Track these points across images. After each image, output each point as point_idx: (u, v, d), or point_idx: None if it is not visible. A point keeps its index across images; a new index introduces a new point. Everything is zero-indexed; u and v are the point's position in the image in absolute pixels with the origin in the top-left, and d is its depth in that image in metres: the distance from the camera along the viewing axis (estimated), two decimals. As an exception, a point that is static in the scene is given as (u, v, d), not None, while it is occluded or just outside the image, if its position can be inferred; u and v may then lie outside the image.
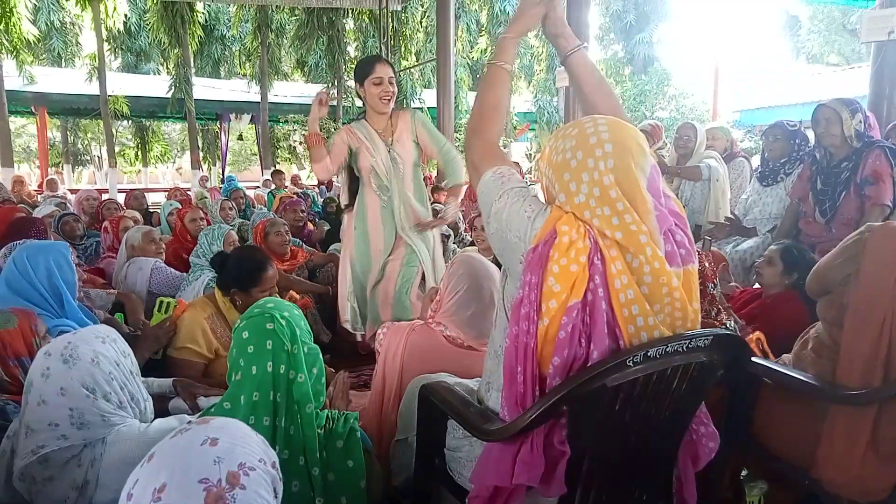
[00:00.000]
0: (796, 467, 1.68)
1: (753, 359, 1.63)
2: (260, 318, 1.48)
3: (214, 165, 20.09)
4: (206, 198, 6.73)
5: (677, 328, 1.27)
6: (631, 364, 1.19)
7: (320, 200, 7.79)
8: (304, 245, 4.66)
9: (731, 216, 3.86)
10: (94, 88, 13.50)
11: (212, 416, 1.45)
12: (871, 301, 1.53)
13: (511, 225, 1.30)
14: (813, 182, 3.25)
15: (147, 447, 1.42)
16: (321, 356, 1.56)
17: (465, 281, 1.95)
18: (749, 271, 3.40)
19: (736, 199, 4.20)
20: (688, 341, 1.24)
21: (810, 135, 3.62)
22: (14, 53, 12.16)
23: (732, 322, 2.28)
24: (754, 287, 2.92)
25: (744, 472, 1.93)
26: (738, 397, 1.71)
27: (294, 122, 15.83)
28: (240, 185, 7.98)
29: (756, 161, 5.21)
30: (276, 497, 0.91)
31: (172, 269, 3.47)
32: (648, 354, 1.20)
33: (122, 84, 14.49)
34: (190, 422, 0.95)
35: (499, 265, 1.49)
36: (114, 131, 15.14)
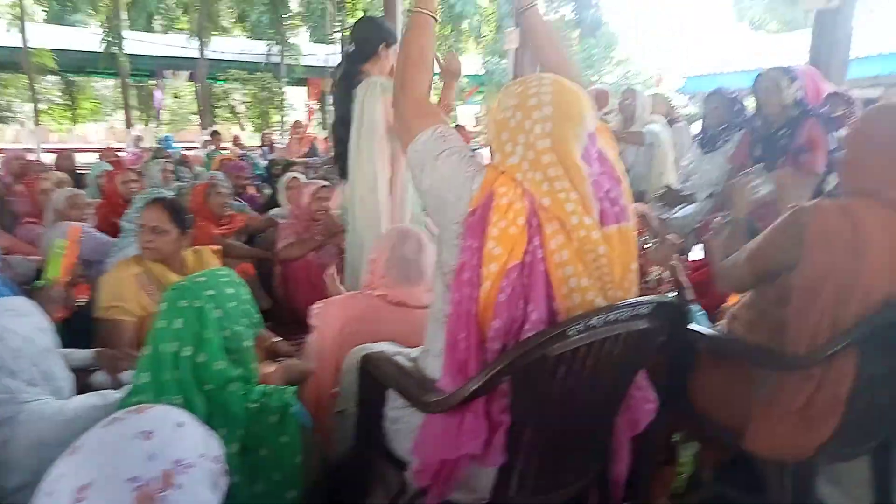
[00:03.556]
0: (727, 429, 1.72)
1: (690, 326, 1.65)
2: (178, 293, 1.40)
3: (149, 125, 19.15)
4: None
5: (607, 291, 1.27)
6: (573, 333, 1.18)
7: (263, 163, 7.50)
8: (248, 208, 4.48)
9: (665, 188, 3.89)
10: (15, 40, 12.52)
11: (134, 396, 1.38)
12: (819, 280, 1.52)
13: (449, 184, 1.27)
14: (752, 149, 3.31)
15: (65, 426, 1.35)
16: (249, 338, 1.49)
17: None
18: (689, 237, 3.46)
19: (678, 163, 4.25)
20: (630, 309, 1.24)
21: (748, 102, 3.68)
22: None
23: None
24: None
25: (676, 435, 1.99)
26: (677, 363, 1.73)
27: (235, 79, 15.18)
28: (175, 146, 7.58)
29: (697, 127, 5.30)
30: (219, 492, 0.84)
31: (103, 235, 3.28)
32: (590, 323, 1.19)
33: (47, 36, 13.50)
34: (125, 410, 0.86)
35: None
36: (38, 87, 14.17)
